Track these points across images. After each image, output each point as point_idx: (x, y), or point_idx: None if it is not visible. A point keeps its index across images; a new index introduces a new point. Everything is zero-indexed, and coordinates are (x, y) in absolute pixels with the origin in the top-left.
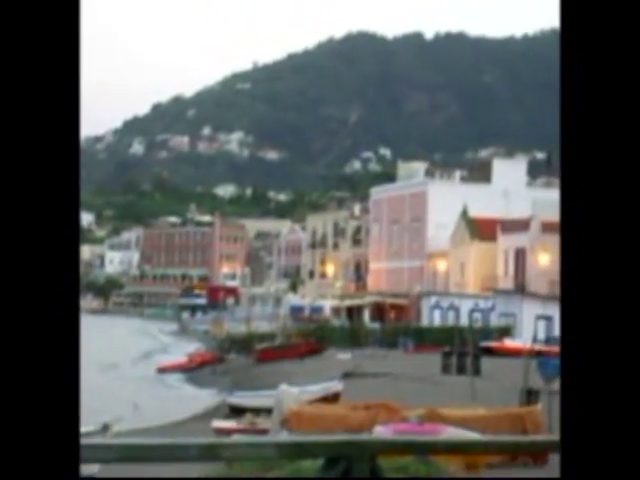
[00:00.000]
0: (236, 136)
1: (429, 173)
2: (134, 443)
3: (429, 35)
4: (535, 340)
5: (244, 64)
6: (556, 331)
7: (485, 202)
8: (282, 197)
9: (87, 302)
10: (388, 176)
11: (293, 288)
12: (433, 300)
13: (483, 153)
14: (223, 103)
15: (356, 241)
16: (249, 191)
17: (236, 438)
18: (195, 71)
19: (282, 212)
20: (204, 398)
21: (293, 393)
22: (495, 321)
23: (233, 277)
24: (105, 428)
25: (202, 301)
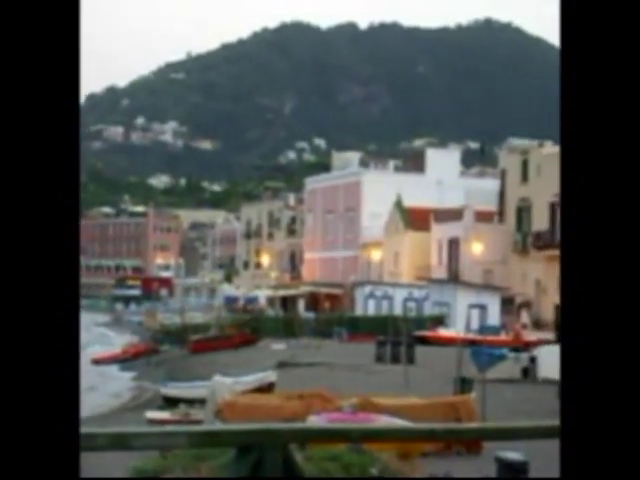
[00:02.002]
0: (170, 126)
1: (363, 163)
2: None
3: (363, 25)
4: (468, 329)
5: (178, 54)
6: (489, 320)
7: (419, 192)
8: (216, 187)
9: None
10: (323, 166)
11: (228, 279)
12: (367, 289)
13: (417, 143)
14: (157, 93)
15: (291, 231)
16: (183, 181)
17: (146, 428)
18: (129, 61)
19: (216, 202)
20: (138, 389)
21: (227, 384)
22: (429, 310)
23: (167, 268)
24: None
25: (136, 292)
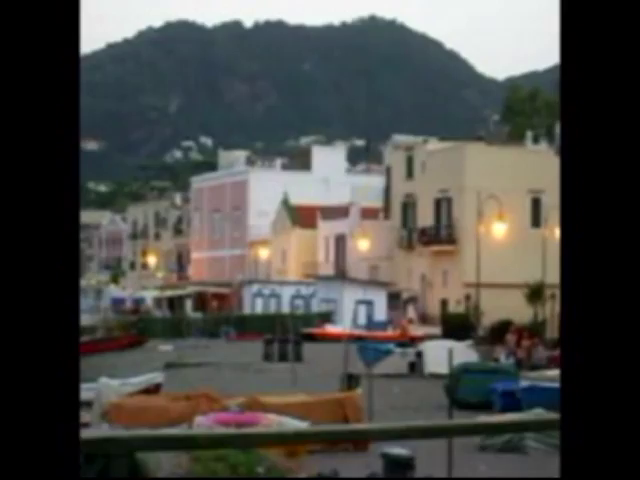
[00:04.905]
0: None
1: (250, 161)
2: None
3: (248, 23)
4: (356, 325)
5: None
6: (376, 315)
7: (306, 189)
8: (102, 188)
9: None
10: (209, 165)
11: (114, 280)
12: (255, 288)
13: (304, 141)
14: None
15: (178, 231)
16: None
17: None
18: None
19: (102, 203)
20: None
21: (114, 386)
22: (316, 307)
23: None
24: None
25: None
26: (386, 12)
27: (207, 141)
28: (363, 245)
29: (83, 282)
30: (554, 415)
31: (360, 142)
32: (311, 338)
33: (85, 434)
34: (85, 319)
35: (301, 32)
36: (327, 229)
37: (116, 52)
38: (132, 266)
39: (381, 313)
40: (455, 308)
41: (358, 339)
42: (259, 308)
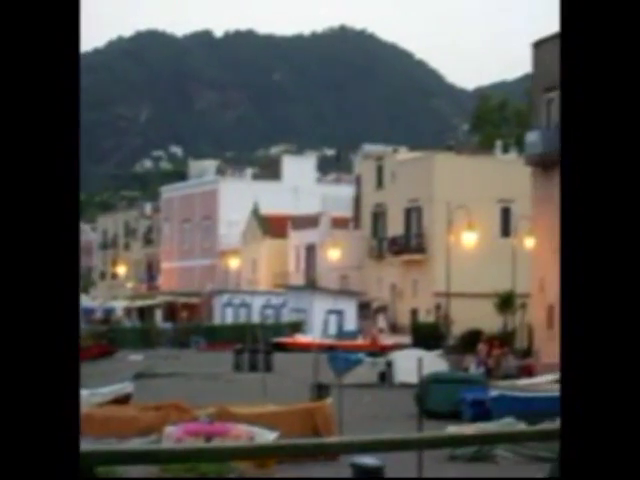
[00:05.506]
0: None
1: (220, 171)
2: None
3: (219, 33)
4: (326, 335)
5: None
6: (347, 325)
7: (276, 199)
8: None
9: None
10: (179, 175)
11: (84, 290)
12: (225, 298)
13: (274, 150)
14: None
15: (148, 241)
16: None
17: None
18: None
19: None
20: None
21: (83, 396)
22: (287, 317)
23: None
24: None
25: None
26: (356, 22)
27: (177, 151)
28: (333, 255)
29: None
30: (523, 427)
31: (330, 152)
32: (281, 348)
33: None
34: None
35: (271, 42)
36: (297, 239)
37: (86, 61)
38: (102, 276)
39: (351, 323)
40: (425, 317)
41: (328, 349)
42: (229, 318)
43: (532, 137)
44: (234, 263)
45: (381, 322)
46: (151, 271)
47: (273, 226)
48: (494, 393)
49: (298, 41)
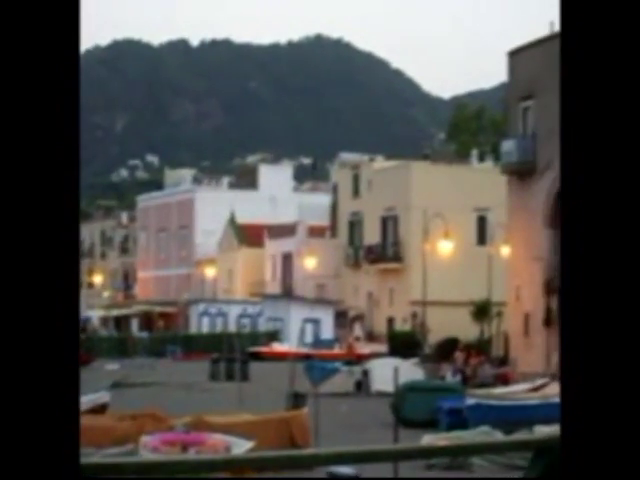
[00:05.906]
0: None
1: (197, 180)
2: None
3: (195, 42)
4: (302, 343)
5: None
6: (324, 334)
7: (252, 208)
8: None
9: None
10: (156, 184)
11: None
12: (201, 307)
13: (250, 159)
14: None
15: (124, 250)
16: None
17: None
18: None
19: None
20: None
21: None
22: (263, 326)
23: None
24: None
25: None
26: (332, 31)
27: (153, 160)
28: (310, 263)
29: None
30: (499, 435)
31: (307, 160)
32: (258, 357)
33: None
34: None
35: (247, 51)
36: (274, 248)
37: None
38: None
39: (328, 331)
40: (401, 326)
41: (305, 358)
42: (206, 327)
43: (507, 146)
44: (210, 272)
45: (357, 331)
46: (127, 280)
47: (249, 235)
48: (470, 401)
49: (274, 50)
